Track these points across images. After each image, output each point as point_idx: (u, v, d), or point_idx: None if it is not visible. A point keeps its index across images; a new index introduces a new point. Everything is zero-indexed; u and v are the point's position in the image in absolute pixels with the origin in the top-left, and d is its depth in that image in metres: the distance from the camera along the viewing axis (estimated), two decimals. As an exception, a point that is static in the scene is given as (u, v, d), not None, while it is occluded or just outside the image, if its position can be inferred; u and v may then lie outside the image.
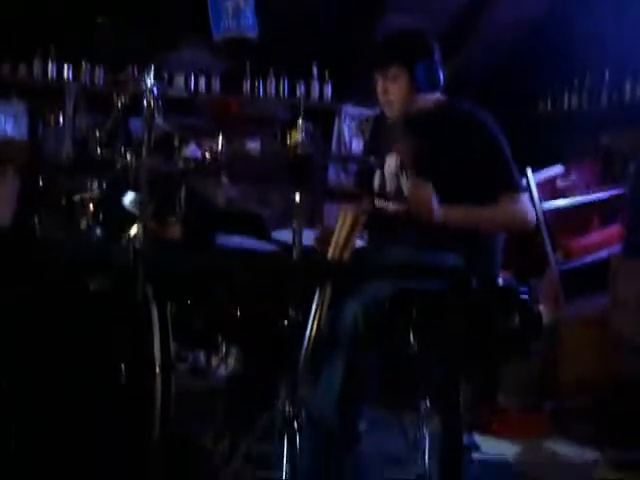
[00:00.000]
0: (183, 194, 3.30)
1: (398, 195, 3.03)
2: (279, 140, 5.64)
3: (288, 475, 2.58)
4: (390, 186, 3.07)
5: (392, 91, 3.04)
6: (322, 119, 5.82)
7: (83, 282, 2.79)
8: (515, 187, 2.93)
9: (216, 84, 5.93)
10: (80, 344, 2.45)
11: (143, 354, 2.42)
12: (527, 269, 4.43)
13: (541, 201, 4.68)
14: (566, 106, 5.63)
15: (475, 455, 3.31)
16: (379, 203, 3.09)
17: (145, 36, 5.21)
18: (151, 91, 2.79)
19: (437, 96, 3.10)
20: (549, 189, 4.95)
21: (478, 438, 3.45)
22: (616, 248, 4.56)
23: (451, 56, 3.15)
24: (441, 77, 3.06)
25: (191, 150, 5.15)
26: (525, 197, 2.96)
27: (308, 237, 2.93)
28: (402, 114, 3.09)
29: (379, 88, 3.08)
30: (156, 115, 2.85)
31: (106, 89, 5.54)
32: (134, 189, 3.15)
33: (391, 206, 3.04)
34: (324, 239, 2.97)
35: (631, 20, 5.06)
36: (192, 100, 5.83)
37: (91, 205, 3.41)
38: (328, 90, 5.98)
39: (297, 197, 2.64)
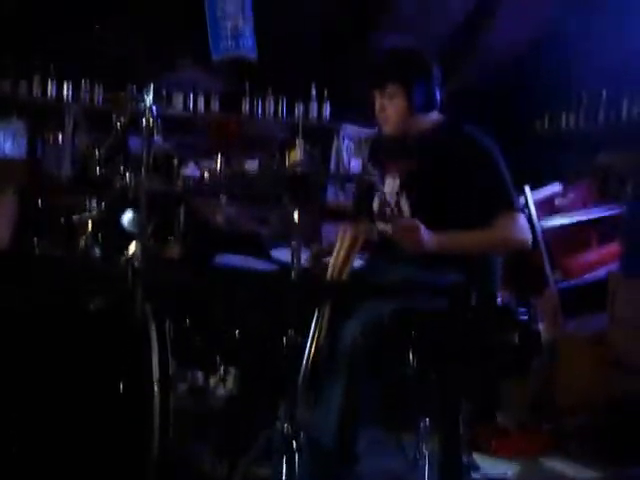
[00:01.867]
0: (182, 213, 3.30)
1: (398, 216, 3.02)
2: (278, 160, 5.66)
3: (287, 495, 2.57)
4: (389, 209, 3.07)
5: (389, 109, 3.05)
6: (320, 139, 5.84)
7: (82, 301, 2.79)
8: (511, 206, 2.93)
9: (215, 104, 5.94)
10: (79, 363, 2.44)
11: (142, 374, 2.42)
12: (526, 288, 4.43)
13: (539, 220, 4.69)
14: (563, 125, 5.64)
15: (474, 475, 3.30)
16: (379, 226, 3.08)
17: (145, 56, 5.23)
18: (150, 111, 2.80)
19: (436, 116, 3.11)
20: (547, 208, 4.96)
21: (477, 457, 3.44)
22: (614, 267, 4.56)
23: (448, 76, 3.15)
24: (438, 98, 3.07)
25: (190, 169, 5.17)
26: (521, 216, 2.95)
27: (306, 256, 2.94)
28: (400, 133, 3.09)
29: (377, 105, 3.09)
30: (155, 135, 2.85)
31: (105, 108, 5.54)
32: (133, 208, 3.15)
33: (390, 228, 3.04)
34: (317, 256, 2.98)
35: (628, 39, 5.07)
36: (191, 120, 5.85)
37: (90, 224, 3.41)
38: (326, 110, 5.99)
39: (295, 216, 2.65)
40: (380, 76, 3.07)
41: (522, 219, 2.95)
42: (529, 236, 2.95)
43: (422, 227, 2.79)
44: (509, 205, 2.93)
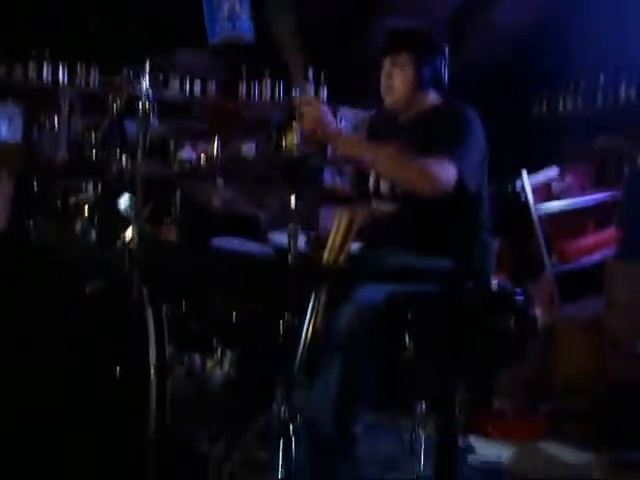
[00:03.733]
0: (178, 197, 3.30)
1: (392, 194, 3.03)
2: (275, 143, 5.64)
3: (284, 479, 2.58)
4: (384, 186, 3.08)
5: (396, 78, 3.04)
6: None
7: (79, 285, 2.79)
8: (445, 152, 2.81)
9: (212, 87, 5.92)
10: (75, 346, 2.44)
11: (138, 357, 2.42)
12: (522, 272, 4.44)
13: (536, 204, 4.69)
14: (561, 109, 5.64)
15: (470, 457, 3.32)
16: (374, 204, 3.09)
17: (141, 39, 5.21)
18: (146, 94, 2.79)
19: (435, 98, 3.11)
20: (544, 192, 4.96)
21: (473, 440, 3.46)
22: (611, 251, 4.57)
23: (449, 59, 3.15)
24: (445, 78, 3.07)
25: (186, 153, 5.16)
26: (451, 164, 2.78)
27: (303, 240, 2.94)
28: (401, 106, 3.09)
29: (384, 72, 3.07)
30: (151, 118, 2.84)
31: (101, 92, 5.52)
32: (129, 192, 3.15)
33: (386, 206, 3.05)
34: (314, 243, 2.99)
35: (626, 23, 5.07)
36: (188, 103, 5.83)
37: (86, 208, 3.41)
38: (324, 93, 5.98)
39: (292, 200, 2.64)
40: (396, 43, 3.06)
41: (451, 168, 2.78)
42: (446, 180, 2.78)
43: (325, 109, 2.83)
44: (445, 150, 2.82)
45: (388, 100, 3.10)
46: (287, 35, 3.04)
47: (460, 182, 2.80)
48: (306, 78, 2.99)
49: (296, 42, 3.09)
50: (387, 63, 3.06)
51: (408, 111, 3.09)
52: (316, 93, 5.96)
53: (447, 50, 3.09)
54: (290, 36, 3.05)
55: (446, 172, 2.78)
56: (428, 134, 2.91)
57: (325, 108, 2.87)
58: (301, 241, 2.78)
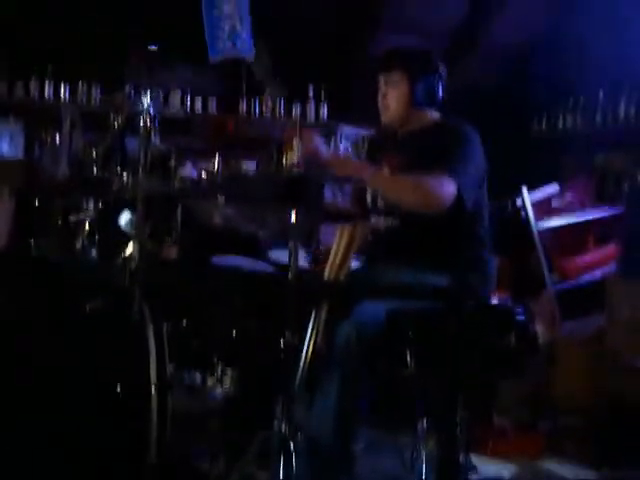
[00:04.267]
0: (179, 214, 3.30)
1: (390, 210, 3.04)
2: (275, 160, 5.65)
3: (284, 496, 2.57)
4: (381, 201, 3.09)
5: (390, 96, 3.09)
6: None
7: (79, 302, 2.79)
8: (444, 168, 2.83)
9: (212, 104, 5.94)
10: (76, 364, 2.44)
11: (139, 374, 2.42)
12: (523, 289, 4.44)
13: (537, 221, 4.69)
14: (561, 126, 5.65)
15: (471, 475, 3.30)
16: (373, 219, 3.10)
17: (142, 56, 5.22)
18: (147, 111, 2.80)
19: (433, 115, 3.13)
20: (544, 208, 4.96)
21: (474, 458, 3.44)
22: (611, 268, 4.57)
23: (448, 76, 3.18)
24: (440, 96, 3.09)
25: (187, 170, 5.16)
26: (450, 181, 2.81)
27: (304, 257, 2.94)
28: (397, 123, 3.12)
29: (380, 90, 3.13)
30: (152, 135, 2.85)
31: (102, 109, 5.54)
32: (130, 209, 3.15)
33: (383, 221, 3.06)
34: (317, 258, 2.99)
35: (626, 41, 5.08)
36: (188, 120, 5.85)
37: (87, 225, 3.41)
38: (324, 110, 6.00)
39: (293, 217, 2.65)
40: (389, 61, 3.11)
41: (450, 185, 2.80)
42: (446, 198, 2.80)
43: (318, 138, 2.91)
44: (445, 167, 2.84)
45: (384, 117, 3.15)
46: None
47: (459, 198, 2.81)
48: (275, 80, 3.05)
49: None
50: (382, 82, 3.11)
51: (407, 128, 3.12)
52: (316, 110, 5.98)
53: (444, 68, 3.12)
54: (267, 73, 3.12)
55: (445, 188, 2.79)
56: (427, 150, 2.93)
57: (318, 138, 2.89)
58: (302, 258, 2.79)
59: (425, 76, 3.07)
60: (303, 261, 2.93)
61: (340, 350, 2.59)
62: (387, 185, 2.92)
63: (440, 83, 3.09)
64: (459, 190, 2.81)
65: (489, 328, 2.69)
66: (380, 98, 3.14)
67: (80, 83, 5.67)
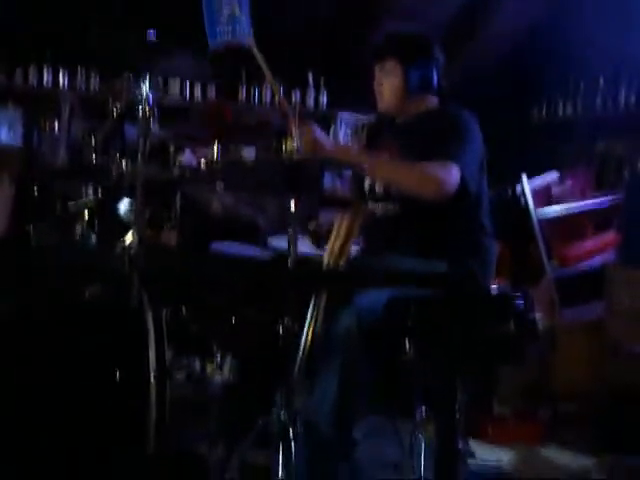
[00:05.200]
0: (178, 201, 3.30)
1: (387, 195, 3.04)
2: (274, 147, 5.65)
3: (284, 483, 2.58)
4: (379, 187, 3.08)
5: (385, 85, 3.09)
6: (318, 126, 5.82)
7: (78, 289, 2.79)
8: (446, 155, 2.82)
9: (211, 91, 5.93)
10: (75, 351, 2.44)
11: (138, 362, 2.42)
12: (523, 276, 4.44)
13: (536, 208, 4.68)
14: (561, 113, 5.63)
15: (470, 462, 3.31)
16: (370, 205, 3.10)
17: (141, 43, 5.21)
18: (146, 98, 2.79)
19: (432, 101, 3.12)
20: (544, 196, 4.96)
21: (473, 445, 3.45)
22: (611, 255, 4.57)
23: (447, 63, 3.17)
24: (435, 82, 3.08)
25: (186, 157, 5.16)
26: (454, 167, 2.79)
27: (303, 244, 2.93)
28: (394, 111, 3.12)
29: (375, 79, 3.12)
30: (151, 122, 2.85)
31: (101, 96, 5.53)
32: (129, 196, 3.15)
33: (381, 207, 3.05)
34: (316, 234, 2.99)
35: (625, 27, 5.07)
36: (187, 108, 5.83)
37: (86, 212, 3.41)
38: (324, 97, 5.98)
39: (292, 204, 2.64)
40: (381, 50, 3.11)
41: (454, 169, 2.79)
42: (450, 184, 2.78)
43: (316, 129, 2.86)
44: (445, 153, 2.83)
45: (380, 105, 3.14)
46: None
47: (462, 184, 2.80)
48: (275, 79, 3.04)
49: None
50: (377, 70, 3.10)
51: (405, 115, 3.11)
52: (316, 98, 5.97)
53: (440, 53, 3.11)
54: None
55: (450, 175, 2.78)
56: (426, 137, 2.92)
57: (317, 130, 2.88)
58: (301, 245, 2.78)
59: (419, 63, 3.06)
60: (303, 247, 2.92)
61: (340, 337, 2.59)
62: (389, 173, 2.92)
63: (436, 69, 3.08)
64: (463, 175, 2.80)
65: (488, 315, 2.69)
66: (375, 86, 3.14)
67: (79, 70, 5.65)
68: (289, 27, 5.56)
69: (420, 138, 2.95)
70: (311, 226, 3.10)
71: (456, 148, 2.84)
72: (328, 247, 2.69)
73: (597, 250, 4.78)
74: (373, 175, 3.02)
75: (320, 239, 2.98)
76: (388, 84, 3.08)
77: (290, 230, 2.61)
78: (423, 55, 3.07)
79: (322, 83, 5.98)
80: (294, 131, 2.89)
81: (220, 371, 2.80)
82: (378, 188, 3.07)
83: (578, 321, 4.42)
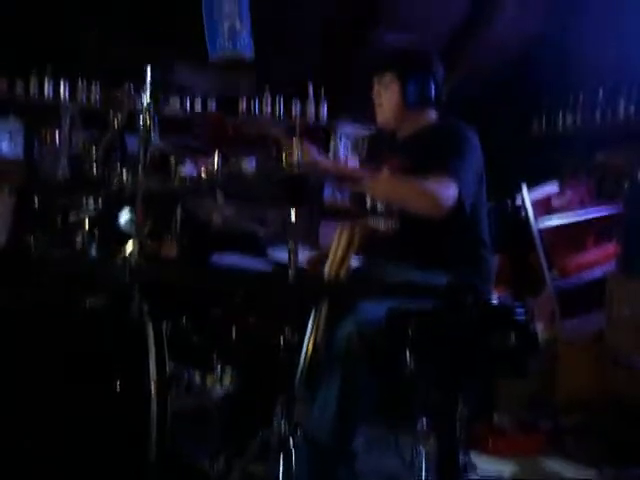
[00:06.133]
0: (179, 213, 3.30)
1: (389, 211, 3.04)
2: (275, 159, 5.65)
3: (284, 494, 2.57)
4: (380, 202, 3.09)
5: (383, 98, 3.10)
6: (318, 138, 5.83)
7: (79, 300, 2.79)
8: (444, 171, 2.83)
9: (212, 103, 5.94)
10: (75, 362, 2.44)
11: (138, 373, 2.41)
12: (523, 288, 4.43)
13: (536, 219, 4.69)
14: (560, 124, 5.64)
15: (471, 474, 3.30)
16: (372, 220, 3.11)
17: (142, 55, 5.22)
18: (147, 110, 2.80)
19: (431, 115, 3.13)
20: (544, 207, 4.96)
21: (474, 456, 3.44)
22: (611, 266, 4.57)
23: (446, 75, 3.18)
24: (433, 96, 3.09)
25: (187, 169, 5.16)
26: (451, 184, 2.81)
27: (304, 255, 2.94)
28: (392, 125, 3.14)
29: (374, 92, 3.13)
30: (152, 134, 2.85)
31: (102, 107, 5.54)
32: (130, 207, 3.15)
33: (383, 222, 3.06)
34: (316, 261, 2.99)
35: (625, 39, 5.08)
36: (188, 119, 5.84)
37: (87, 223, 3.41)
38: (324, 109, 5.99)
39: (293, 216, 2.64)
40: (380, 64, 3.12)
41: (451, 187, 2.80)
42: (447, 200, 2.79)
43: (314, 151, 2.91)
44: (443, 167, 2.84)
45: (379, 119, 3.15)
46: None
47: (459, 199, 2.81)
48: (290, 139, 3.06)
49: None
50: (375, 84, 3.12)
51: (404, 129, 3.12)
52: (316, 109, 5.98)
53: (439, 66, 3.12)
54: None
55: (447, 191, 2.79)
56: (425, 152, 2.93)
57: (314, 150, 2.89)
58: (301, 256, 2.79)
59: (418, 77, 3.07)
60: (303, 258, 2.93)
61: (341, 349, 2.59)
62: (388, 192, 2.92)
63: (434, 83, 3.09)
64: (459, 191, 2.81)
65: (489, 327, 2.69)
66: (374, 100, 3.15)
67: (80, 81, 5.66)
68: (289, 38, 5.58)
69: (419, 153, 2.96)
70: (312, 256, 3.11)
71: (454, 164, 2.85)
72: (329, 258, 2.69)
73: (598, 261, 4.78)
74: (372, 193, 3.03)
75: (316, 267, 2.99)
76: (386, 99, 3.09)
77: (290, 242, 2.62)
78: (421, 70, 3.08)
79: (322, 94, 5.98)
80: (295, 141, 2.90)
81: (220, 382, 2.80)
82: (379, 203, 3.08)
83: (579, 332, 4.42)
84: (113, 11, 5.36)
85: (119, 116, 3.41)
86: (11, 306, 2.63)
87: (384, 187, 2.92)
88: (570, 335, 4.41)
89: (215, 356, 2.80)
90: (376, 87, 3.13)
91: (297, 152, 2.86)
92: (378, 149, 3.27)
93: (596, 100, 5.38)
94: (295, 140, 2.92)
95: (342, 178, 2.94)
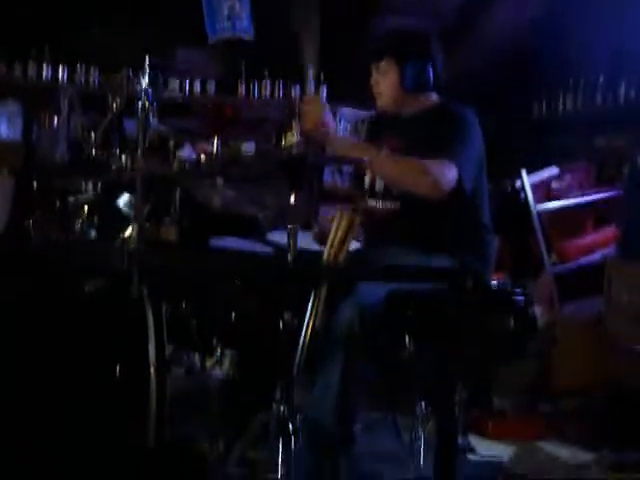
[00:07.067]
0: (178, 196, 3.29)
1: (388, 193, 3.04)
2: (274, 142, 5.64)
3: (284, 478, 2.58)
4: (380, 185, 3.09)
5: (382, 84, 3.10)
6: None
7: (78, 284, 2.78)
8: (444, 153, 2.82)
9: (211, 86, 5.92)
10: (74, 346, 2.44)
11: (138, 356, 2.42)
12: (522, 271, 4.44)
13: (536, 203, 4.69)
14: (561, 108, 5.63)
15: (470, 457, 3.31)
16: (370, 202, 3.11)
17: (141, 38, 5.21)
18: (146, 93, 2.79)
19: (432, 98, 3.12)
20: (544, 191, 4.96)
21: (473, 440, 3.45)
22: (610, 250, 4.57)
23: (447, 58, 3.16)
24: (432, 79, 3.08)
25: (186, 152, 5.16)
26: (451, 165, 2.80)
27: (303, 239, 2.93)
28: (392, 109, 3.13)
29: (372, 78, 3.12)
30: (151, 117, 2.84)
31: (101, 91, 5.53)
32: (129, 191, 3.14)
33: (381, 205, 3.06)
34: (323, 234, 2.99)
35: (625, 23, 5.07)
36: (187, 102, 5.83)
37: (86, 207, 3.40)
38: (323, 92, 5.98)
39: (292, 199, 2.64)
40: (376, 50, 3.12)
41: (451, 169, 2.80)
42: (447, 182, 2.79)
43: (327, 109, 2.88)
44: (445, 151, 2.84)
45: (378, 104, 3.15)
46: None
47: (459, 182, 2.81)
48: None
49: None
50: (373, 68, 3.11)
51: (405, 112, 3.12)
52: (316, 92, 5.96)
53: (438, 49, 3.11)
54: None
55: (447, 173, 2.79)
56: (426, 134, 2.92)
57: (326, 108, 2.88)
58: (300, 239, 2.78)
59: (416, 61, 3.06)
60: (303, 242, 2.92)
61: (341, 332, 2.59)
62: (389, 168, 2.92)
63: (433, 66, 3.07)
64: (459, 174, 2.81)
65: (488, 310, 2.69)
66: (373, 85, 3.14)
67: (78, 64, 5.64)
68: (289, 21, 5.57)
69: (420, 135, 2.95)
70: (315, 228, 3.10)
71: (454, 147, 2.85)
72: (328, 241, 2.69)
73: (597, 245, 4.79)
74: (372, 169, 3.02)
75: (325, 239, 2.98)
76: (385, 83, 3.08)
77: (290, 225, 2.61)
78: (420, 53, 3.06)
79: (322, 77, 5.96)
80: (295, 122, 2.89)
81: (220, 366, 2.80)
82: (378, 185, 3.08)
83: (578, 316, 4.42)
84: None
85: (118, 99, 3.40)
86: (9, 291, 2.63)
87: (384, 163, 2.90)
88: (569, 319, 4.42)
89: (214, 339, 2.80)
90: (374, 72, 3.12)
91: (297, 135, 2.85)
92: (378, 131, 3.24)
93: (596, 84, 5.37)
94: (294, 123, 2.91)
95: (342, 150, 2.93)
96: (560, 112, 5.63)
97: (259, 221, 3.59)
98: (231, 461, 2.74)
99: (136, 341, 2.45)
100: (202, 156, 4.92)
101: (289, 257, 2.56)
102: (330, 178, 5.35)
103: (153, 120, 2.88)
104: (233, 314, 2.69)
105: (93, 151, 3.77)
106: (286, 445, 2.57)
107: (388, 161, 2.91)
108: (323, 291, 2.56)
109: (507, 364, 3.69)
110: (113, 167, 3.33)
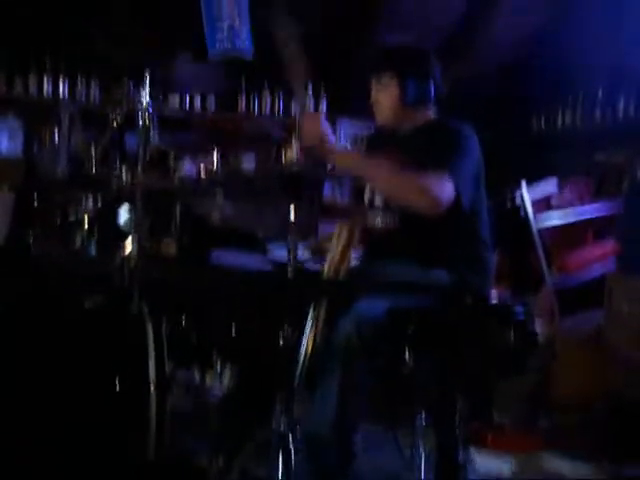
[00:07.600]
0: (178, 211, 3.30)
1: (387, 207, 3.05)
2: (274, 157, 5.65)
3: (283, 493, 2.58)
4: (379, 198, 3.09)
5: (382, 98, 3.10)
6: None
7: (78, 299, 2.79)
8: (442, 168, 2.81)
9: (211, 102, 5.94)
10: (75, 362, 2.44)
11: (138, 372, 2.42)
12: (522, 285, 4.44)
13: (535, 217, 4.69)
14: (560, 124, 5.64)
15: (471, 471, 3.31)
16: (370, 217, 3.11)
17: (141, 53, 5.22)
18: (146, 108, 2.80)
19: (429, 113, 3.14)
20: (543, 205, 4.96)
21: (474, 453, 3.45)
22: (610, 264, 4.57)
23: (446, 73, 3.18)
24: (432, 94, 3.09)
25: (186, 167, 5.17)
26: (448, 181, 2.79)
27: (303, 253, 2.94)
28: (391, 124, 3.14)
29: (372, 95, 3.14)
30: (151, 132, 2.85)
31: (102, 106, 5.54)
32: (129, 206, 3.15)
33: (382, 219, 3.06)
34: (317, 250, 2.99)
35: (624, 38, 5.08)
36: (187, 118, 5.84)
37: (86, 222, 3.41)
38: (323, 107, 5.99)
39: (292, 214, 2.65)
40: (377, 64, 3.13)
41: (448, 184, 2.79)
42: (443, 197, 2.78)
43: (326, 124, 2.87)
44: (441, 164, 2.83)
45: (378, 118, 3.16)
46: (288, 38, 3.10)
47: (457, 198, 2.81)
48: (306, 90, 3.06)
49: (297, 47, 3.14)
50: (373, 84, 3.12)
51: (403, 127, 3.12)
52: (316, 105, 5.98)
53: (437, 65, 3.12)
54: (291, 39, 3.11)
55: (445, 188, 2.79)
56: (423, 149, 2.93)
57: (326, 123, 2.89)
58: (300, 254, 2.79)
59: (416, 76, 3.07)
60: (302, 257, 2.92)
61: (340, 346, 2.59)
62: (387, 182, 2.92)
63: (433, 81, 3.09)
64: (457, 190, 2.81)
65: (488, 325, 2.69)
66: (372, 100, 3.15)
67: (79, 80, 5.66)
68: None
69: (417, 150, 2.96)
70: (311, 243, 3.11)
71: (452, 162, 2.85)
72: (328, 256, 2.69)
73: (597, 259, 4.79)
74: (369, 181, 3.03)
75: (322, 254, 2.98)
76: (385, 97, 3.10)
77: (289, 240, 2.62)
78: (420, 68, 3.08)
79: (322, 90, 5.98)
80: (299, 121, 2.90)
81: (220, 381, 2.81)
82: (378, 200, 3.08)
83: (578, 330, 4.42)
84: (113, 9, 5.36)
85: (118, 115, 3.41)
86: (10, 305, 2.63)
87: (384, 176, 2.90)
88: (569, 332, 4.41)
89: (214, 354, 2.80)
90: (374, 87, 3.13)
91: (295, 150, 2.86)
92: (376, 147, 3.25)
93: (596, 99, 5.38)
94: (294, 138, 2.92)
95: (341, 161, 2.94)
96: (559, 127, 5.64)
97: (259, 236, 3.60)
98: (231, 476, 2.74)
99: (136, 356, 2.45)
100: (202, 171, 4.94)
101: (289, 271, 2.57)
102: (330, 193, 5.37)
103: (153, 135, 2.89)
104: (233, 329, 2.70)
105: (93, 166, 3.79)
106: (286, 460, 2.57)
107: (386, 176, 2.91)
108: (323, 305, 2.56)
109: (508, 378, 3.69)
110: (113, 182, 3.34)
